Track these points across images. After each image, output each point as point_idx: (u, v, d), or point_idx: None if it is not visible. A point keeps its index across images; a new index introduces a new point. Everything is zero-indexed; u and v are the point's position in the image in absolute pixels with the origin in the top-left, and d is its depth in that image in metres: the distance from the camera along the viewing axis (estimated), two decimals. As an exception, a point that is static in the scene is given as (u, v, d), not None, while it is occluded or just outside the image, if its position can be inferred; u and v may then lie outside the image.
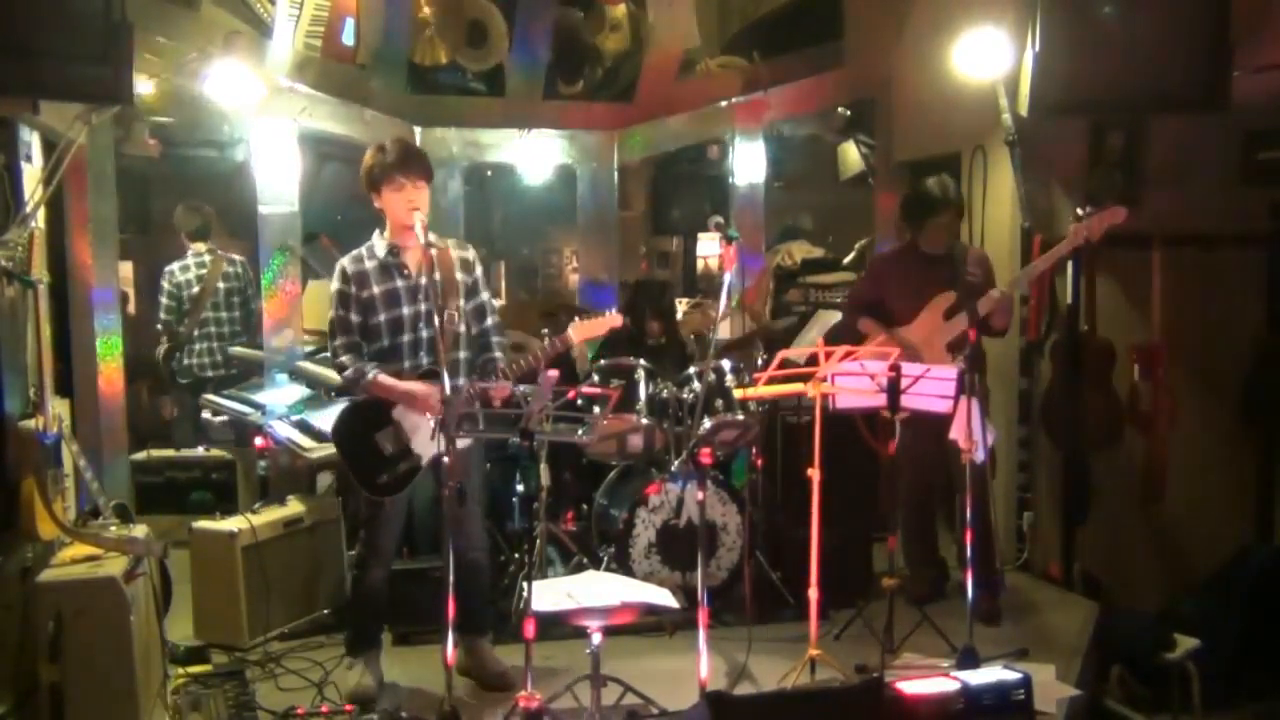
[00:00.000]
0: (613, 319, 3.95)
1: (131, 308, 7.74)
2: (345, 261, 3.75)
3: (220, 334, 6.46)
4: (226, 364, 6.43)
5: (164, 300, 6.46)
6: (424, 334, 3.74)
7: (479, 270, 3.89)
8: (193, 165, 7.57)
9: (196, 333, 6.42)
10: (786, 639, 4.24)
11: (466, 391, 3.54)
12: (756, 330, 5.58)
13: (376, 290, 3.70)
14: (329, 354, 3.81)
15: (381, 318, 3.71)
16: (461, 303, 3.76)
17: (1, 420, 3.72)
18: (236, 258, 6.61)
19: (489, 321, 3.88)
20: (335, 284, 3.73)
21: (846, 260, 6.90)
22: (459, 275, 3.76)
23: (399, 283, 3.73)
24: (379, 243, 3.77)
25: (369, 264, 3.73)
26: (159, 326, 6.55)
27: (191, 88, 4.84)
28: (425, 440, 3.68)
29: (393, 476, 3.70)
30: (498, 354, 3.86)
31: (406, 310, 3.73)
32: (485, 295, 3.89)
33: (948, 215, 4.55)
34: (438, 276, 3.61)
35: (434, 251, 3.60)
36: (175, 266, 6.45)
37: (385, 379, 3.66)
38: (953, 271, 4.51)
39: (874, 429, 4.64)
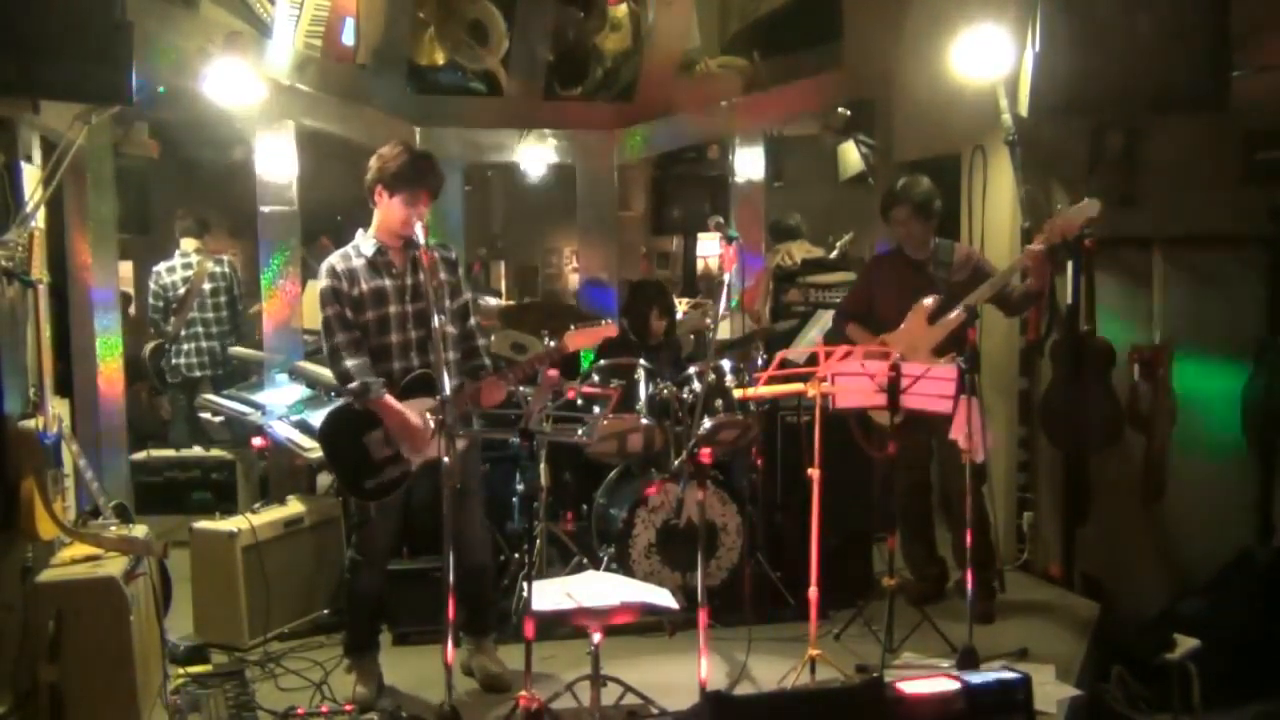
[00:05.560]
0: (608, 329, 3.95)
1: (132, 308, 7.76)
2: (334, 259, 3.71)
3: (207, 334, 6.48)
4: (214, 364, 6.44)
5: (150, 300, 6.50)
6: (413, 334, 3.72)
7: (460, 270, 3.88)
8: (193, 165, 7.58)
9: (183, 333, 6.43)
10: (786, 639, 4.24)
11: (465, 393, 3.54)
12: (756, 330, 5.58)
13: (365, 287, 3.67)
14: (327, 353, 3.72)
15: (369, 315, 3.67)
16: (447, 303, 3.75)
17: (2, 420, 3.72)
18: (224, 258, 6.63)
19: (470, 323, 3.87)
20: (325, 281, 3.68)
21: (830, 256, 6.90)
22: (444, 275, 3.74)
23: (387, 281, 3.70)
24: (365, 241, 3.74)
25: (357, 262, 3.70)
26: (151, 329, 6.58)
27: (191, 88, 4.84)
28: (415, 447, 3.66)
29: (379, 482, 3.65)
30: (485, 360, 3.85)
31: (394, 309, 3.70)
32: (467, 295, 3.89)
33: (900, 211, 4.55)
34: (422, 277, 3.61)
35: (438, 254, 3.60)
36: (162, 267, 6.49)
37: (391, 401, 3.61)
38: (937, 273, 4.53)
39: (867, 431, 4.64)
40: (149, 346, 6.56)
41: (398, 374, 3.69)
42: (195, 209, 6.63)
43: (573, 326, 3.91)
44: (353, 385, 3.61)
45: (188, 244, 6.51)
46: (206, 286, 6.49)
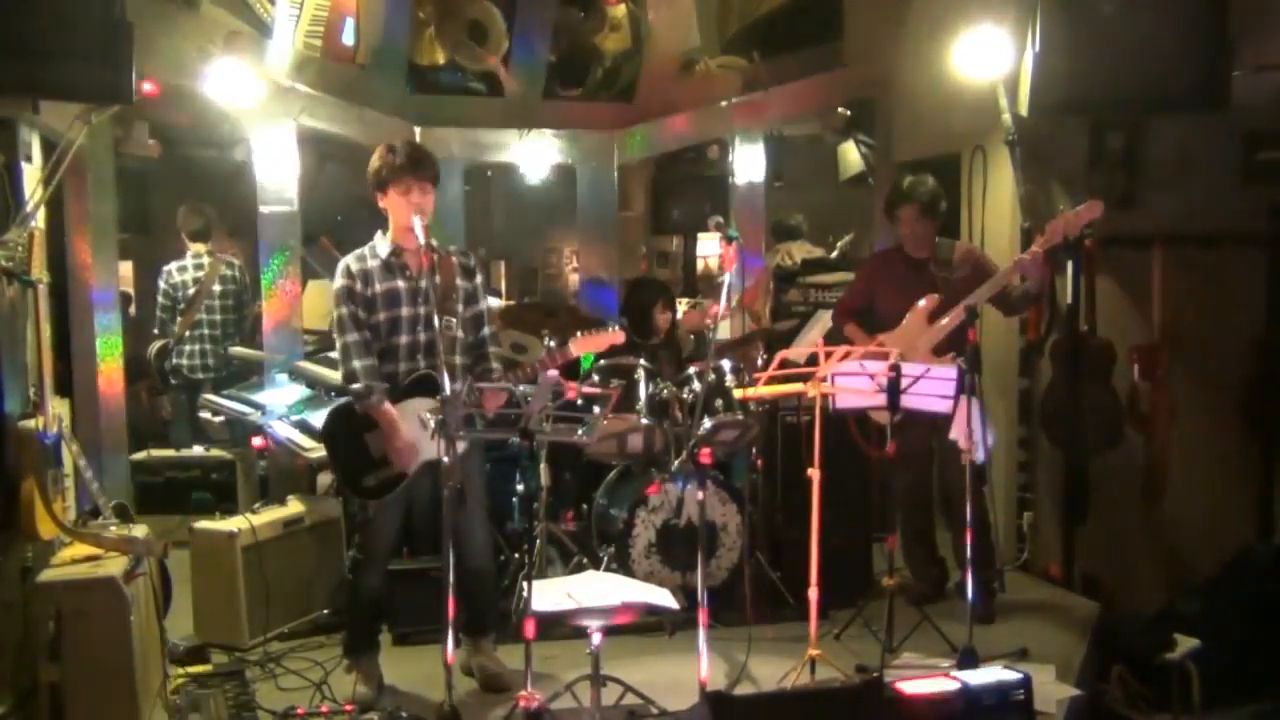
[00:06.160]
0: (615, 335, 3.95)
1: (132, 308, 7.75)
2: (349, 259, 3.74)
3: (213, 336, 6.47)
4: (218, 366, 6.44)
5: (160, 300, 6.48)
6: (422, 337, 3.73)
7: (479, 278, 3.88)
8: (193, 165, 7.58)
9: (189, 334, 6.43)
10: (786, 639, 4.24)
11: (465, 394, 3.54)
12: (756, 330, 5.58)
13: (379, 288, 3.70)
14: (338, 352, 3.75)
15: (381, 316, 3.70)
16: (461, 308, 3.75)
17: (2, 420, 3.72)
18: (235, 260, 6.62)
19: (485, 331, 3.87)
20: (340, 281, 3.71)
21: (831, 256, 6.90)
22: (459, 281, 3.75)
23: (400, 282, 3.72)
24: (381, 243, 3.76)
25: (372, 263, 3.73)
26: (156, 329, 6.57)
27: (191, 88, 4.84)
28: (415, 446, 3.66)
29: (379, 480, 3.67)
30: (494, 364, 3.86)
31: (406, 311, 3.72)
32: (484, 304, 3.89)
33: (907, 210, 4.55)
34: (438, 280, 3.61)
35: (435, 256, 3.60)
36: (173, 266, 6.47)
37: (387, 411, 3.61)
38: (937, 272, 4.53)
39: (865, 432, 4.64)
40: (155, 346, 6.55)
41: (403, 375, 3.71)
42: (198, 206, 6.62)
43: (579, 333, 3.90)
44: (356, 386, 3.63)
45: (199, 246, 6.50)
46: (216, 288, 6.48)
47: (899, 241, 4.72)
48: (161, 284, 6.49)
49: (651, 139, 6.55)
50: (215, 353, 6.46)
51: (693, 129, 6.63)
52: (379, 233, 3.80)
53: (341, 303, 3.69)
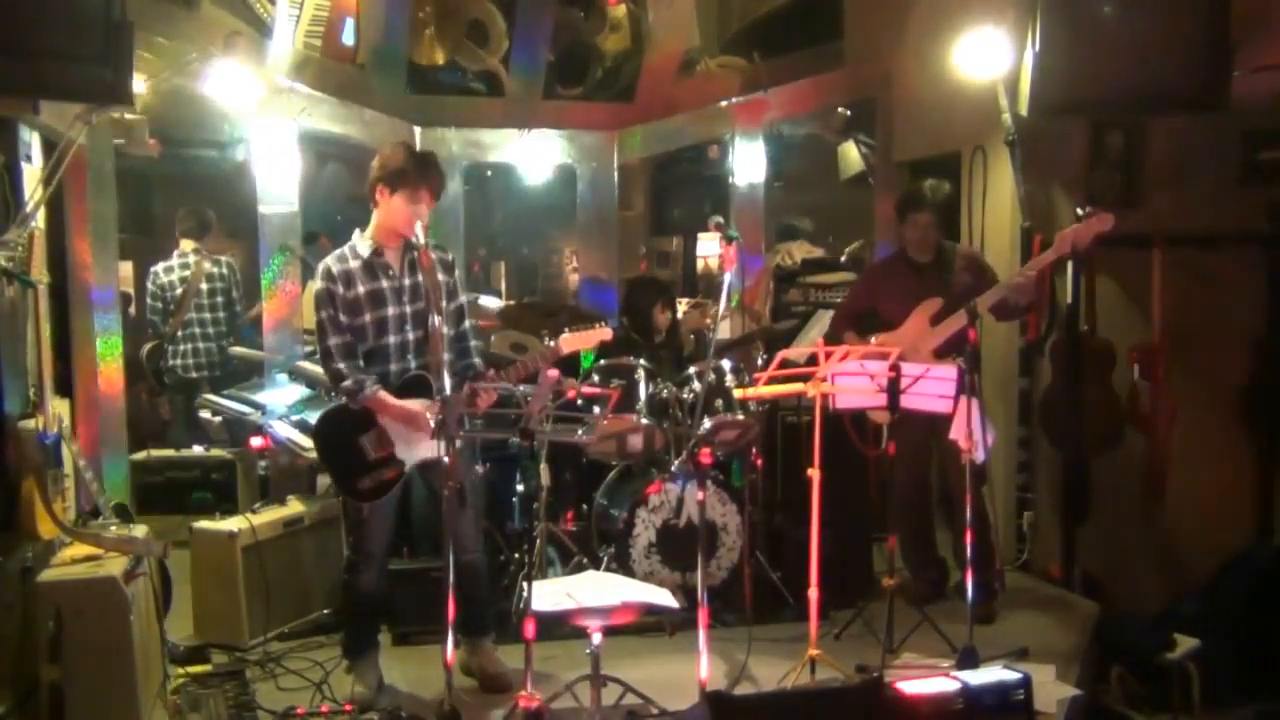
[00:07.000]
0: (602, 332, 3.95)
1: (132, 308, 7.75)
2: (330, 261, 3.70)
3: (205, 334, 6.48)
4: (211, 365, 6.45)
5: (148, 300, 6.50)
6: (410, 336, 3.72)
7: (457, 272, 3.89)
8: (193, 165, 7.58)
9: (181, 333, 6.43)
10: (786, 639, 4.24)
11: (466, 392, 3.54)
12: (756, 330, 5.58)
13: (362, 290, 3.66)
14: (319, 355, 3.73)
15: (367, 318, 3.67)
16: (445, 304, 3.75)
17: (1, 420, 3.72)
18: (222, 259, 6.62)
19: (465, 325, 3.87)
20: (321, 283, 3.67)
21: (841, 259, 6.90)
22: (441, 277, 3.74)
23: (384, 283, 3.70)
24: (361, 243, 3.73)
25: (353, 263, 3.69)
26: (149, 330, 6.58)
27: (191, 88, 4.84)
28: (409, 446, 3.67)
29: (374, 481, 3.65)
30: (476, 360, 3.85)
31: (392, 311, 3.70)
32: (462, 298, 3.88)
33: (923, 216, 4.55)
34: (420, 278, 3.61)
35: (435, 255, 3.60)
36: (160, 267, 6.49)
37: (385, 396, 3.61)
38: (941, 277, 4.53)
39: (862, 432, 4.64)
40: (147, 347, 6.56)
41: (394, 375, 3.70)
42: (198, 209, 6.63)
43: (567, 330, 3.90)
44: (347, 384, 3.62)
45: (186, 244, 6.51)
46: (204, 287, 6.49)
47: (902, 244, 4.72)
48: (149, 284, 6.50)
49: (651, 139, 6.56)
50: (208, 352, 6.47)
51: (693, 129, 6.63)
52: (357, 231, 3.77)
53: (322, 306, 3.66)
